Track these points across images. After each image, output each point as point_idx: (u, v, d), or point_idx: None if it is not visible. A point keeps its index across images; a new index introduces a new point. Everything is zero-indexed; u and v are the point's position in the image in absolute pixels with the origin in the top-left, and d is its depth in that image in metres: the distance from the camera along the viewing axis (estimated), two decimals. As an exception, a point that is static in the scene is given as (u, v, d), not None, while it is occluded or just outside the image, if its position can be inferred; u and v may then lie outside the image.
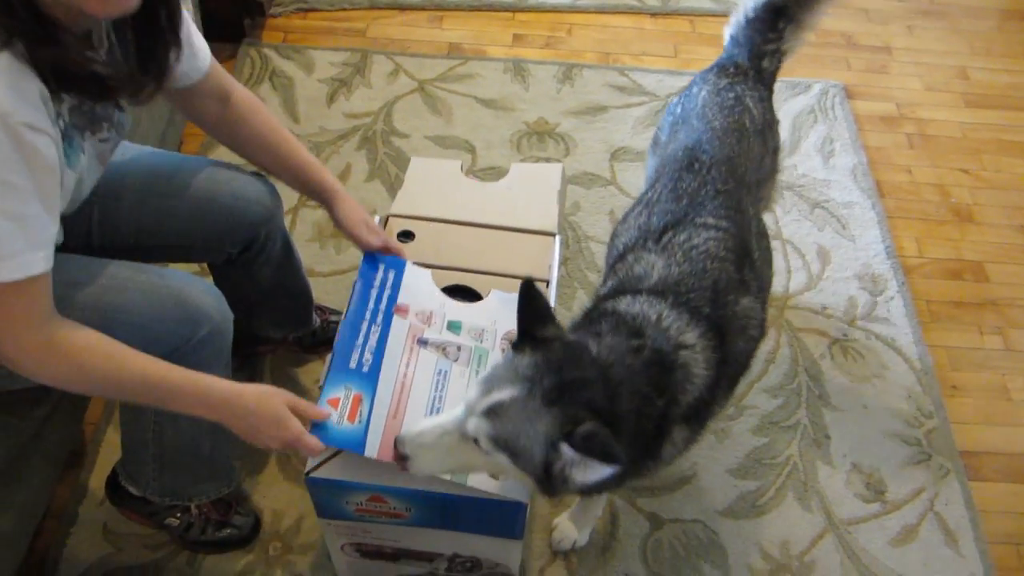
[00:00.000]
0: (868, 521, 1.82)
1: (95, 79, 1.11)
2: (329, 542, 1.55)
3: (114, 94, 1.20)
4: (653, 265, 1.39)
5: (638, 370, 1.19)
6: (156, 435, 1.51)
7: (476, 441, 1.13)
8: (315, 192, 1.56)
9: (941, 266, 2.33)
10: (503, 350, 1.40)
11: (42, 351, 1.13)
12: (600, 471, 1.05)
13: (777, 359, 2.06)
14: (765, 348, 2.07)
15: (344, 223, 1.54)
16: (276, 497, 1.78)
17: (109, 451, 1.79)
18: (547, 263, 1.59)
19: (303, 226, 2.28)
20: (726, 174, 1.50)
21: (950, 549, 1.79)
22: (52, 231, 1.12)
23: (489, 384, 1.15)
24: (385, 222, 1.66)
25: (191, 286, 1.37)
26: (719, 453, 1.89)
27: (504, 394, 1.11)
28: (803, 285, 2.22)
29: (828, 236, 2.34)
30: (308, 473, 1.31)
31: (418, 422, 1.21)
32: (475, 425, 1.12)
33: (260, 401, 1.26)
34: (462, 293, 1.55)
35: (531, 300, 1.19)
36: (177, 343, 1.33)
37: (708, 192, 1.47)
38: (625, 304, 1.31)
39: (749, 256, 1.43)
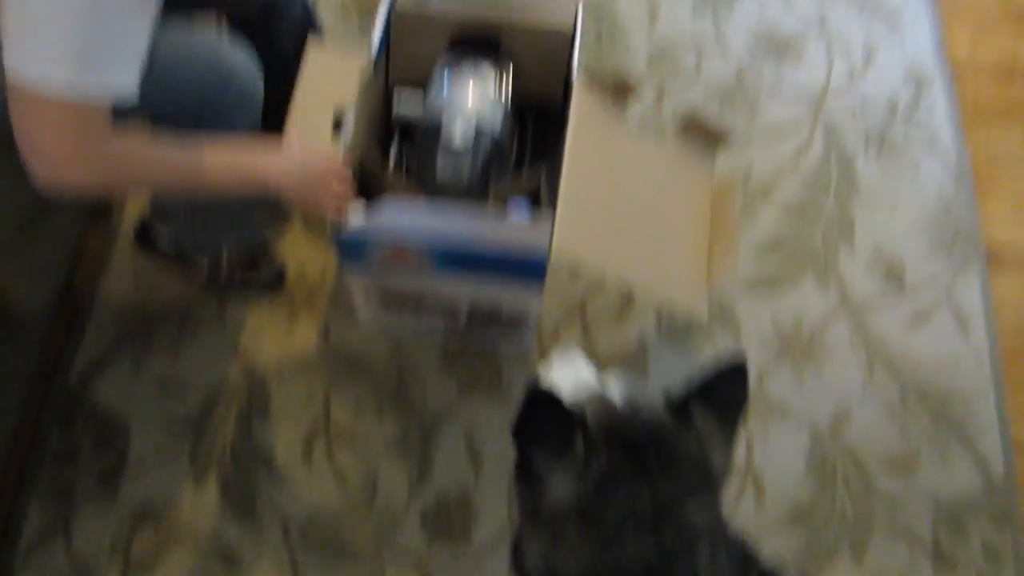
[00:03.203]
0: (882, 305, 1.84)
1: None
2: (353, 295, 1.59)
3: None
4: None
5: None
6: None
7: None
8: None
9: (992, 69, 2.24)
10: None
11: (87, 164, 1.06)
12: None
13: (809, 152, 2.03)
14: (798, 139, 2.03)
15: None
16: (301, 251, 1.83)
17: (138, 200, 1.82)
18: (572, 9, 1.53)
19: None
20: None
21: (960, 335, 1.81)
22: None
23: (626, 382, 1.02)
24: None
25: (221, 41, 1.31)
26: (743, 232, 1.90)
27: (614, 392, 0.98)
28: (844, 79, 2.15)
29: (876, 32, 2.25)
30: (333, 227, 1.33)
31: (585, 363, 1.12)
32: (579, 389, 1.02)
33: (311, 153, 1.25)
34: (476, 47, 1.51)
35: (730, 381, 0.96)
36: (207, 94, 1.28)
37: None
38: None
39: None
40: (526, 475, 0.93)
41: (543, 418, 0.88)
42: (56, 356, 1.68)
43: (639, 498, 0.87)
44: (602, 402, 0.95)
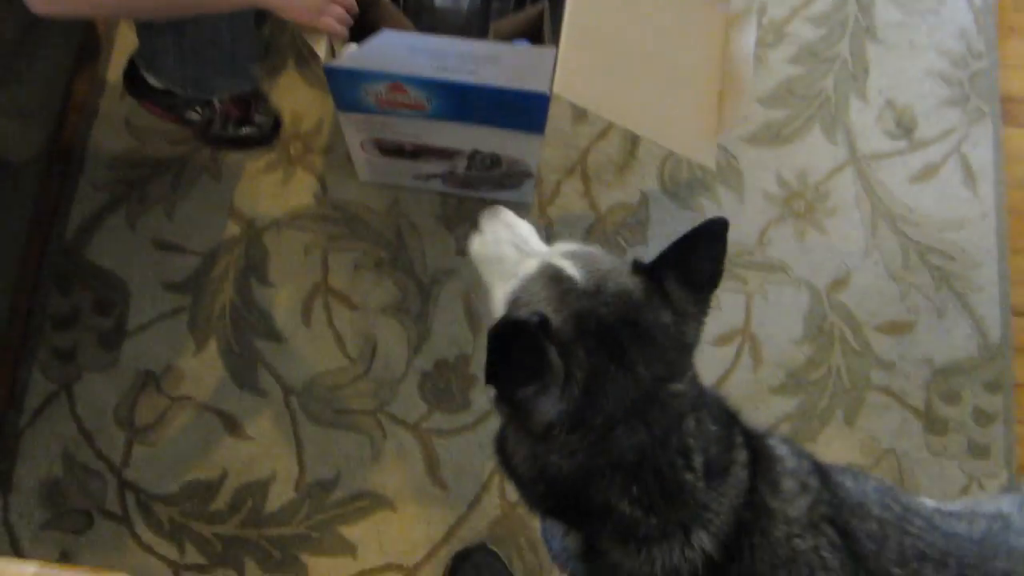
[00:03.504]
0: (891, 157, 1.80)
1: None
2: (349, 140, 1.55)
3: None
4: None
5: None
6: (175, 22, 1.45)
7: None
8: None
9: None
10: None
11: None
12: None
13: (827, -14, 1.92)
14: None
15: None
16: (296, 100, 1.77)
17: (125, 46, 1.75)
18: None
19: None
20: None
21: (967, 189, 1.78)
22: None
23: (580, 253, 0.94)
24: None
25: None
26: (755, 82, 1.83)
27: (570, 269, 0.91)
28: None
29: None
30: (328, 63, 1.27)
31: (518, 219, 1.07)
32: (528, 265, 0.95)
33: None
34: None
35: (705, 243, 0.90)
36: None
37: None
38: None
39: None
40: (508, 406, 0.90)
41: (513, 351, 0.84)
42: (50, 213, 1.66)
43: (625, 391, 0.86)
44: (559, 282, 0.89)
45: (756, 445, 0.99)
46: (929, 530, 0.98)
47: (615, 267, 0.92)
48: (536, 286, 0.91)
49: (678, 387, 0.89)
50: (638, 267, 0.91)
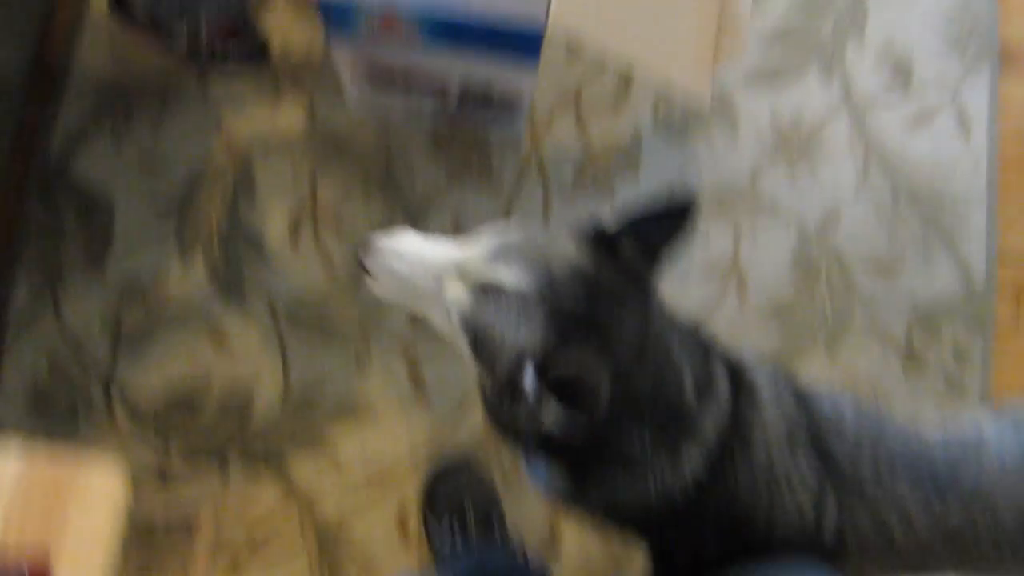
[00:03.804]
0: (886, 103, 1.79)
1: None
2: (340, 70, 1.52)
3: None
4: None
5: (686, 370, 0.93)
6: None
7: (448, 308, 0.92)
8: None
9: None
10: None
11: None
12: (555, 415, 0.82)
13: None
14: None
15: None
16: (286, 23, 1.73)
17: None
18: None
19: None
20: None
21: (960, 138, 1.78)
22: None
23: (506, 249, 0.89)
24: None
25: None
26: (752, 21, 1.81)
27: (511, 278, 0.86)
28: None
29: None
30: None
31: (404, 237, 0.98)
32: (456, 294, 0.90)
33: None
34: None
35: (675, 215, 0.88)
36: None
37: None
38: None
39: None
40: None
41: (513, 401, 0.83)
42: (33, 127, 1.63)
43: (623, 356, 0.86)
44: (510, 302, 0.85)
45: (735, 369, 1.01)
46: (903, 446, 1.00)
47: (551, 246, 0.89)
48: (491, 316, 0.86)
49: (660, 328, 0.91)
50: (596, 233, 0.89)
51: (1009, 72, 1.83)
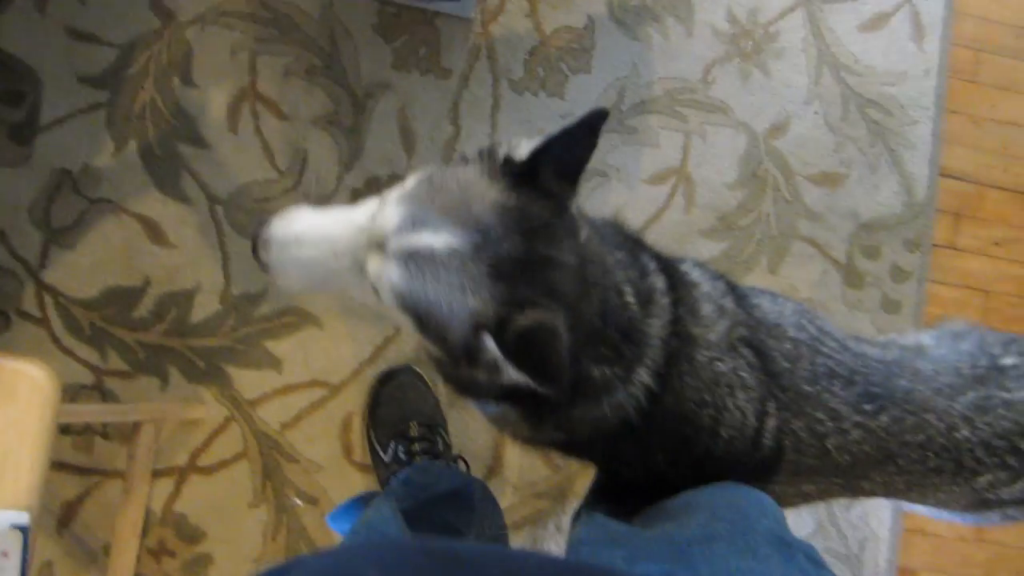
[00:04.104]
0: (843, 2, 1.76)
1: None
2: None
3: None
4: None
5: (627, 281, 0.92)
6: None
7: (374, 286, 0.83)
8: None
9: None
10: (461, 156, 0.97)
11: None
12: (519, 373, 0.77)
13: None
14: None
15: None
16: None
17: None
18: None
19: None
20: None
21: (914, 43, 1.77)
22: None
23: (421, 208, 0.80)
24: None
25: None
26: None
27: (439, 240, 0.78)
28: None
29: None
30: None
31: (297, 214, 0.86)
32: (380, 269, 0.80)
33: None
34: None
35: (584, 134, 0.82)
36: None
37: None
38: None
39: None
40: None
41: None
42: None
43: (568, 286, 0.83)
44: (440, 265, 0.78)
45: (670, 271, 1.00)
46: (841, 351, 1.03)
47: (467, 190, 0.82)
48: (429, 286, 0.79)
49: (591, 245, 0.88)
50: (509, 163, 0.84)
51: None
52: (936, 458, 1.02)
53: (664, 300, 0.96)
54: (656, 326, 0.94)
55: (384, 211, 0.82)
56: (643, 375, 0.93)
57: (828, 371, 1.01)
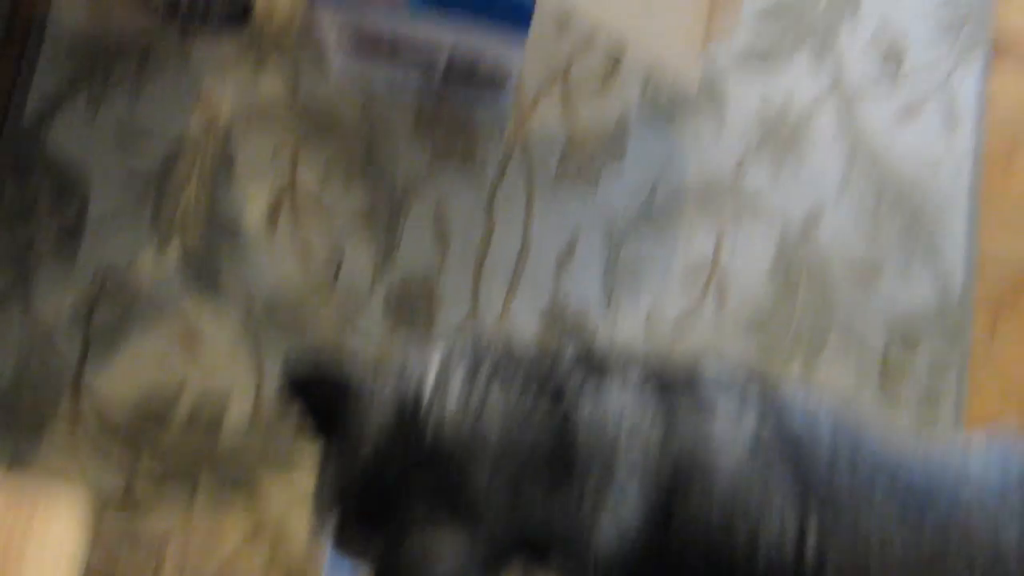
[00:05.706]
0: (875, 92, 1.76)
1: None
2: (323, 35, 1.50)
3: None
4: None
5: None
6: None
7: None
8: None
9: None
10: None
11: None
12: None
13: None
14: None
15: None
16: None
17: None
18: None
19: None
20: None
21: (948, 130, 1.76)
22: None
23: None
24: None
25: None
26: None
27: None
28: None
29: None
30: None
31: None
32: None
33: None
34: None
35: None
36: None
37: None
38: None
39: None
40: None
41: None
42: (7, 94, 1.59)
43: None
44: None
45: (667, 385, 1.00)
46: (882, 462, 0.99)
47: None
48: None
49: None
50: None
51: (1000, 64, 1.81)
52: None
53: (656, 431, 0.96)
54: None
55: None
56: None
57: (870, 480, 0.97)
